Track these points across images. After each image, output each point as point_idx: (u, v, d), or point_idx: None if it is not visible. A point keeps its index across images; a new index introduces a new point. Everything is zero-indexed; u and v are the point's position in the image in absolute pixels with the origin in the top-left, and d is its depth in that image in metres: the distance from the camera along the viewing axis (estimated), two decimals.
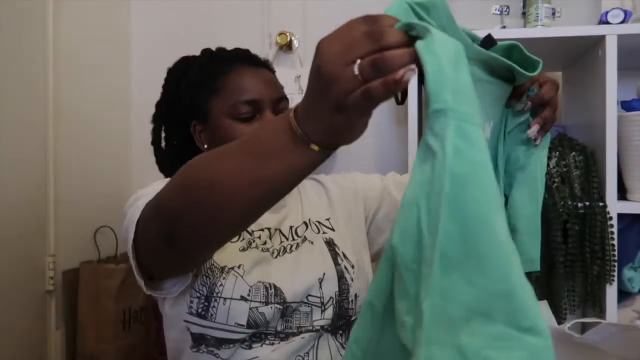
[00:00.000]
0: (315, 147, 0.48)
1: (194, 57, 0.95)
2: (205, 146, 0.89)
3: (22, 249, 1.34)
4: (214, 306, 0.76)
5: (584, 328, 1.10)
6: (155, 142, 0.97)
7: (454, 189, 0.39)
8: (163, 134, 0.96)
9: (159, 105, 0.96)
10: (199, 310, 0.77)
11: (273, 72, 0.94)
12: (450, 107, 0.39)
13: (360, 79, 0.42)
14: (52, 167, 1.43)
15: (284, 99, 0.89)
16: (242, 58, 0.90)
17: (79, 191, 1.54)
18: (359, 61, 0.42)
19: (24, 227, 1.35)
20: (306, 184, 1.00)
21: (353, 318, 0.85)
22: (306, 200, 0.95)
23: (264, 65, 0.92)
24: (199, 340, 0.78)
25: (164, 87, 0.95)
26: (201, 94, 0.87)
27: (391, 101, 1.60)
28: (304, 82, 1.44)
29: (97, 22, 1.66)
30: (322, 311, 0.81)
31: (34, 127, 1.39)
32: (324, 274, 0.82)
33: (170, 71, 0.95)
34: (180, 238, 0.60)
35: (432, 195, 0.41)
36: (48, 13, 1.42)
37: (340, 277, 0.83)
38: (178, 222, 0.58)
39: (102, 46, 1.68)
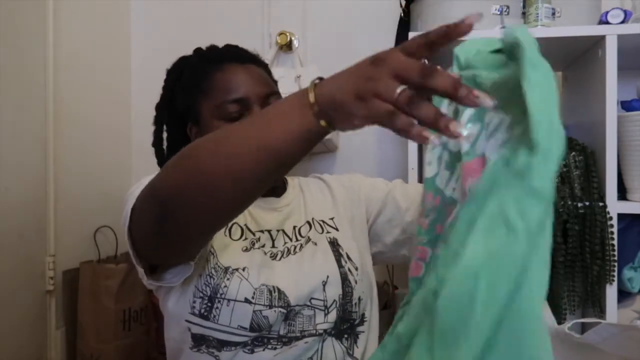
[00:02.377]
0: (314, 105, 0.49)
1: (190, 57, 0.95)
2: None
3: (22, 249, 1.34)
4: (217, 307, 0.76)
5: (584, 328, 1.10)
6: (157, 143, 0.96)
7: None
8: (165, 135, 0.96)
9: (157, 107, 0.95)
10: (202, 310, 0.76)
11: (264, 66, 0.92)
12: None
13: (395, 98, 0.44)
14: (52, 167, 1.43)
15: (274, 94, 0.86)
16: (229, 56, 0.88)
17: (79, 191, 1.54)
18: (404, 87, 0.44)
19: (24, 227, 1.35)
20: (310, 183, 0.99)
21: (357, 322, 0.84)
22: (310, 199, 0.95)
23: (252, 61, 0.90)
24: (199, 341, 0.78)
25: (163, 88, 0.95)
26: (192, 96, 0.87)
27: None
28: (304, 82, 1.44)
29: (97, 23, 1.66)
30: (326, 314, 0.80)
31: (34, 128, 1.39)
32: (328, 276, 0.81)
33: (168, 72, 0.95)
34: (174, 218, 0.58)
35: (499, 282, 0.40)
36: (48, 13, 1.42)
37: (344, 280, 0.83)
38: (173, 201, 0.57)
39: (102, 47, 1.68)
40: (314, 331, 0.79)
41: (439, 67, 0.44)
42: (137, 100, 1.81)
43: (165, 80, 0.95)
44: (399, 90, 0.44)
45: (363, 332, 0.84)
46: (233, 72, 0.85)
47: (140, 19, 1.81)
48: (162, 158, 0.96)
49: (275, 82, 0.94)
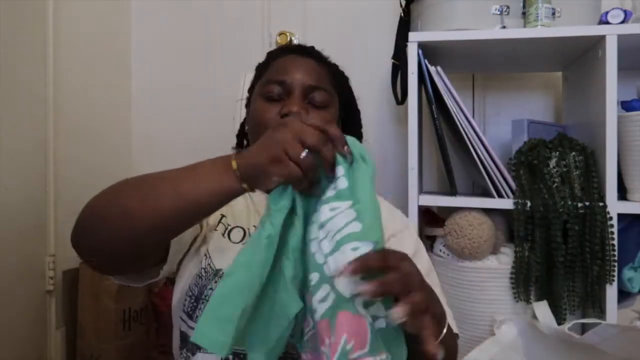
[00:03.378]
0: (236, 171, 0.58)
1: None
2: (246, 128, 0.93)
3: (22, 249, 1.34)
4: (200, 308, 0.76)
5: (584, 328, 1.10)
6: (240, 130, 1.01)
7: None
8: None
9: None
10: (189, 309, 0.77)
11: (328, 65, 0.92)
12: None
13: (300, 160, 0.55)
14: (52, 167, 1.43)
15: (319, 88, 0.85)
16: (298, 49, 0.92)
17: (79, 191, 1.54)
18: (307, 151, 0.55)
19: (24, 227, 1.35)
20: None
21: None
22: None
23: (316, 57, 0.90)
24: (184, 342, 0.78)
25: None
26: (253, 83, 0.92)
27: (391, 101, 1.62)
28: None
29: (97, 22, 1.66)
30: None
31: (34, 128, 1.39)
32: None
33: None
34: (98, 233, 0.62)
35: None
36: (48, 13, 1.42)
37: None
38: (97, 221, 0.62)
39: (102, 46, 1.68)
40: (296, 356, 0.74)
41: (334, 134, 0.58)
42: (137, 100, 1.81)
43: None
44: (303, 154, 0.55)
45: None
46: (289, 60, 0.88)
47: (140, 18, 1.81)
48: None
49: (342, 83, 0.94)
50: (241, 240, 0.83)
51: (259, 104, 0.85)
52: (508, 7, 1.19)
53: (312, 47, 0.95)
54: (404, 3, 1.34)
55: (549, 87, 1.56)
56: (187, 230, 0.68)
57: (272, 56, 0.92)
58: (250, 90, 0.96)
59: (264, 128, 0.79)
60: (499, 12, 1.18)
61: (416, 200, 1.19)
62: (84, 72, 1.58)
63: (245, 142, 0.99)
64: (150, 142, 1.79)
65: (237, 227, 0.84)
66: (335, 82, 0.92)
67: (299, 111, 0.79)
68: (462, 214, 1.18)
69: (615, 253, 1.08)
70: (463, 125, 1.14)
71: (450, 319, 0.75)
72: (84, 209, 0.64)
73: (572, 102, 1.37)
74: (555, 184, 1.13)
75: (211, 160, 0.61)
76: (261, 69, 0.92)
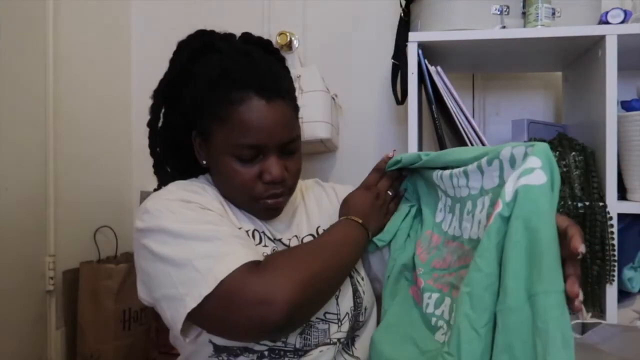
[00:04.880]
0: (368, 232, 0.86)
1: (211, 34, 0.86)
2: (204, 162, 0.85)
3: (22, 249, 1.34)
4: None
5: (583, 328, 1.10)
6: (152, 122, 0.90)
7: None
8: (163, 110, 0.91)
9: (163, 83, 0.88)
10: None
11: (290, 96, 0.82)
12: None
13: (391, 198, 0.94)
14: (52, 167, 1.43)
15: (294, 140, 0.80)
16: (257, 85, 0.76)
17: (79, 191, 1.54)
18: (389, 193, 0.94)
19: (24, 227, 1.35)
20: (311, 190, 0.99)
21: (361, 328, 0.85)
22: (314, 208, 0.95)
23: (280, 94, 0.78)
24: (221, 350, 0.75)
25: (174, 63, 0.87)
26: (206, 114, 0.79)
27: (391, 101, 1.62)
28: (304, 82, 1.44)
29: (97, 22, 1.66)
30: (339, 326, 0.80)
31: (34, 127, 1.39)
32: (340, 290, 0.81)
33: (183, 47, 0.87)
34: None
35: None
36: (48, 13, 1.42)
37: (355, 291, 0.83)
38: (296, 314, 0.66)
39: (102, 47, 1.68)
40: (328, 341, 0.79)
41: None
42: (137, 100, 1.81)
43: (179, 55, 0.87)
44: (390, 193, 0.94)
45: (359, 335, 0.86)
46: (256, 111, 0.75)
47: (140, 19, 1.81)
48: (155, 137, 0.91)
49: (295, 123, 0.83)
50: (260, 243, 0.81)
51: (232, 166, 0.78)
52: (508, 7, 1.19)
53: (274, 75, 0.80)
54: (404, 3, 1.34)
55: (549, 87, 1.56)
56: None
57: (227, 90, 0.76)
58: (174, 83, 0.85)
59: (244, 191, 0.79)
60: (499, 12, 1.18)
61: None
62: (84, 72, 1.58)
63: (159, 150, 0.93)
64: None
65: (255, 230, 0.83)
66: (296, 105, 0.84)
67: (282, 177, 0.78)
68: None
69: (615, 253, 1.08)
70: (463, 125, 1.14)
71: None
72: (295, 299, 0.65)
73: (572, 102, 1.37)
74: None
75: (349, 231, 0.83)
76: (214, 101, 0.78)
